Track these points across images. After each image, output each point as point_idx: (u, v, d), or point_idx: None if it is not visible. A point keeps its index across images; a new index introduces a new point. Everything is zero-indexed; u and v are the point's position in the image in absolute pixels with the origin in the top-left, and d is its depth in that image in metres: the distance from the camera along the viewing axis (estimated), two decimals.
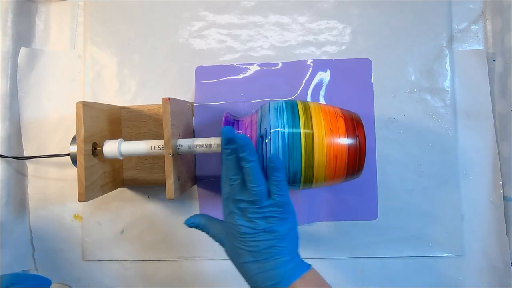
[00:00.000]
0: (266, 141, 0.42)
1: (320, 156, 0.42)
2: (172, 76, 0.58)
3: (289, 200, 0.40)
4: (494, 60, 0.57)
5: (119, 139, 0.47)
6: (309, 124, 0.42)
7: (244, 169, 0.39)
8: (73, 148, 0.47)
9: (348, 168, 0.43)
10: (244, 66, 0.57)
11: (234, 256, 0.40)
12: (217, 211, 0.57)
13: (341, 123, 0.43)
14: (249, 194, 0.39)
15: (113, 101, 0.58)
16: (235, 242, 0.39)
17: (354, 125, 0.44)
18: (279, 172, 0.39)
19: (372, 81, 0.56)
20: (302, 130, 0.42)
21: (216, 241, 0.43)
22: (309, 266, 0.39)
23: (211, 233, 0.43)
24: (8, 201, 0.56)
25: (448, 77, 0.56)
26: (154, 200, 0.58)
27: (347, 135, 0.43)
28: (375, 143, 0.56)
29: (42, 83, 0.59)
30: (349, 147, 0.42)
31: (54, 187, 0.59)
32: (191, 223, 0.43)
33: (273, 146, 0.41)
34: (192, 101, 0.57)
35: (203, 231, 0.43)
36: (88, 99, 0.58)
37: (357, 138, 0.43)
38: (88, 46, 0.59)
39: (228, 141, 0.39)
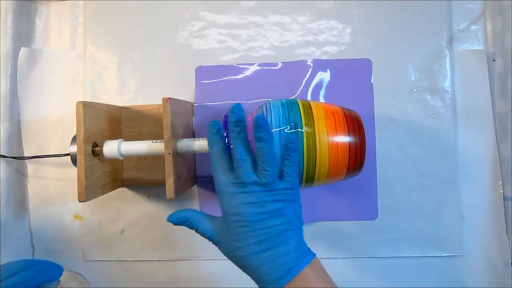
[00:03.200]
0: None
1: (322, 155, 0.42)
2: (172, 76, 0.58)
3: (298, 180, 0.39)
4: (494, 60, 0.57)
5: (119, 139, 0.47)
6: (310, 122, 0.42)
7: (258, 150, 0.37)
8: (73, 148, 0.47)
9: (349, 165, 0.43)
10: (244, 66, 0.57)
11: (233, 250, 0.38)
12: (217, 211, 0.57)
13: (342, 121, 0.43)
14: (262, 176, 0.37)
15: (113, 101, 0.58)
16: (238, 234, 0.37)
17: (355, 122, 0.44)
18: (296, 154, 0.38)
19: (372, 81, 0.56)
20: (303, 129, 0.42)
21: (206, 237, 0.40)
22: (314, 254, 0.39)
23: (200, 229, 0.40)
24: (8, 201, 0.56)
25: (448, 77, 0.56)
26: (154, 200, 0.58)
27: (348, 132, 0.43)
28: (375, 143, 0.56)
29: (42, 83, 0.59)
30: (350, 144, 0.43)
31: (54, 187, 0.59)
32: (177, 219, 0.40)
33: (274, 145, 0.41)
34: (192, 101, 0.57)
35: (190, 227, 0.40)
36: (88, 99, 0.58)
37: (358, 135, 0.43)
38: (88, 46, 0.59)
39: (240, 120, 0.37)
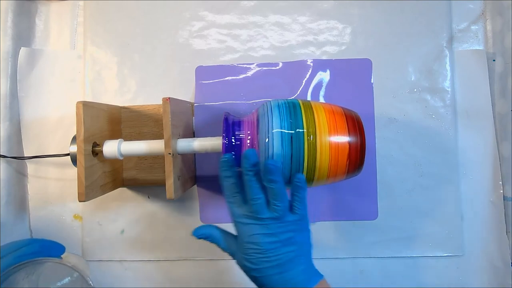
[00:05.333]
0: (267, 140, 0.41)
1: (323, 155, 0.42)
2: (172, 76, 0.58)
3: (307, 212, 0.43)
4: (494, 60, 0.57)
5: (119, 139, 0.47)
6: (311, 122, 0.42)
7: (270, 190, 0.40)
8: (73, 148, 0.47)
9: (349, 165, 0.43)
10: (244, 66, 0.57)
11: (248, 270, 0.41)
12: (217, 211, 0.57)
13: (342, 121, 0.43)
14: (274, 211, 0.40)
15: (113, 101, 0.58)
16: (253, 259, 0.41)
17: (355, 123, 0.44)
18: (304, 191, 0.42)
19: (372, 81, 0.56)
20: (304, 129, 0.42)
21: (226, 252, 0.44)
22: (321, 275, 0.42)
23: (222, 245, 0.44)
24: (8, 201, 0.56)
25: (448, 77, 0.56)
26: (154, 200, 0.58)
27: (349, 133, 0.43)
28: (375, 143, 0.56)
29: (42, 83, 0.59)
30: (350, 144, 0.42)
31: (54, 187, 0.59)
32: (201, 235, 0.44)
33: (275, 146, 0.41)
34: (192, 101, 0.57)
35: (213, 242, 0.44)
36: (88, 99, 0.58)
37: (358, 136, 0.43)
38: (88, 46, 0.59)
39: (254, 164, 0.41)
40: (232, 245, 0.43)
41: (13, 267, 0.37)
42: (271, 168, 0.39)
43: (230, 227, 0.44)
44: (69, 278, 0.40)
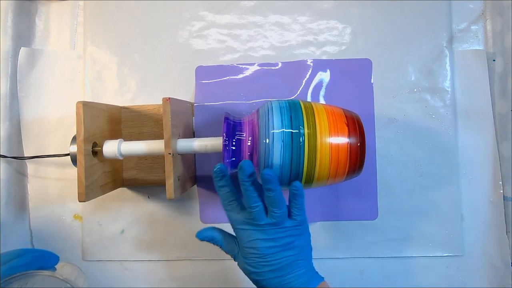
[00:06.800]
0: (267, 141, 0.41)
1: (323, 156, 0.42)
2: (172, 76, 0.58)
3: (306, 217, 0.43)
4: (494, 60, 0.57)
5: (119, 139, 0.47)
6: (312, 123, 0.42)
7: (268, 198, 0.41)
8: (73, 148, 0.47)
9: (349, 167, 0.43)
10: (244, 66, 0.57)
11: (249, 273, 0.42)
12: (217, 211, 0.57)
13: (343, 122, 0.43)
14: (272, 217, 0.41)
15: (113, 101, 0.58)
16: (253, 263, 0.42)
17: (355, 124, 0.44)
18: (302, 198, 0.42)
19: (372, 81, 0.56)
20: (305, 130, 0.42)
21: (228, 254, 0.45)
22: (322, 278, 0.43)
23: (225, 248, 0.45)
24: (8, 201, 0.56)
25: (448, 77, 0.56)
26: (154, 200, 0.58)
27: (349, 134, 0.43)
28: (375, 143, 0.56)
29: (42, 83, 0.59)
30: (350, 146, 0.42)
31: (54, 187, 0.59)
32: (204, 237, 0.45)
33: (275, 146, 0.41)
34: (192, 101, 0.57)
35: (216, 245, 0.45)
36: (88, 99, 0.58)
37: (358, 137, 0.43)
38: (88, 46, 0.59)
39: (250, 175, 0.41)
40: (234, 248, 0.44)
41: (4, 280, 0.36)
42: (267, 178, 0.40)
43: (230, 228, 0.44)
44: None
